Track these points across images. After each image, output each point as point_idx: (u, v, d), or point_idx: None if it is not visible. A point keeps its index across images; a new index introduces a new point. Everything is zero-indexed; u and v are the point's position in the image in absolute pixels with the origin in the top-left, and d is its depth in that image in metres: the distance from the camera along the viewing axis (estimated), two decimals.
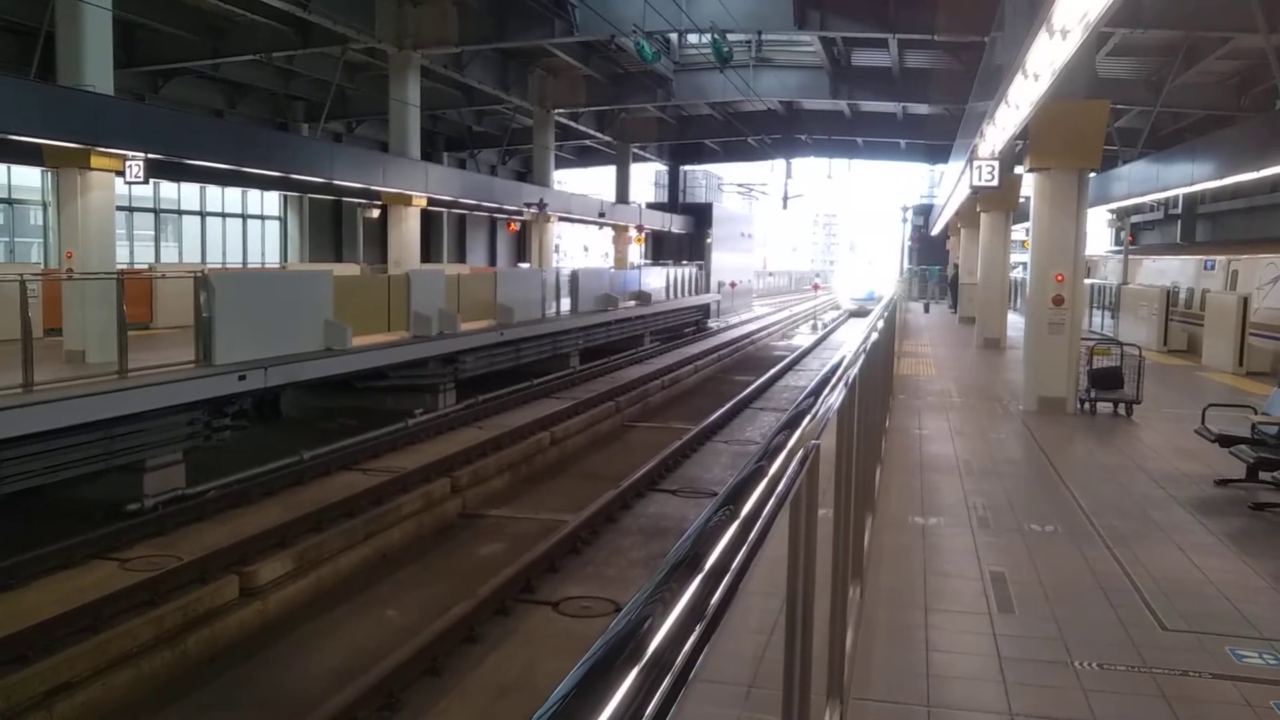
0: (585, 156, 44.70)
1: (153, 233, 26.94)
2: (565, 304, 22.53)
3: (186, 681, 6.53)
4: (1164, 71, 21.28)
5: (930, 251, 49.94)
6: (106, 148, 13.62)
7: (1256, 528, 6.94)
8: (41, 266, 20.39)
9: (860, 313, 38.57)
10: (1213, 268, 20.54)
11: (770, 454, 1.67)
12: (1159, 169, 20.73)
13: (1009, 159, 16.24)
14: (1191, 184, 19.05)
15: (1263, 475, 7.71)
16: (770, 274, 79.53)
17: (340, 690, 5.89)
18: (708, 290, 37.34)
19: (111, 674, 6.33)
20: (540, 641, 6.94)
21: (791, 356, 25.00)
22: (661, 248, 43.43)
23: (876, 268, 74.06)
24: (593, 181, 47.78)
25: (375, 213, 28.17)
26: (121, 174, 14.34)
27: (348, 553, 8.80)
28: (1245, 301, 16.21)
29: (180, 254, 27.70)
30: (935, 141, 34.41)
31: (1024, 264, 23.64)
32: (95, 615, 6.96)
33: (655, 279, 30.10)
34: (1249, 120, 19.22)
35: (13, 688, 5.90)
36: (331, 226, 32.95)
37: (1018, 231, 27.29)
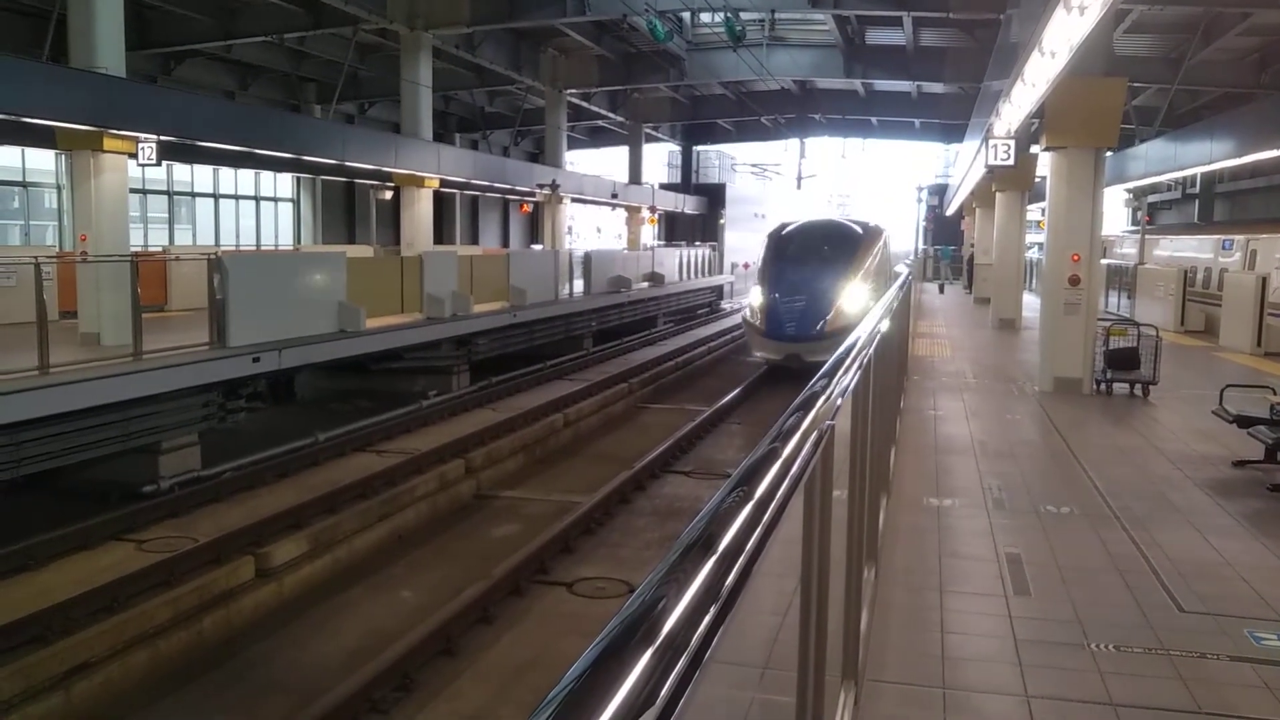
0: (598, 137, 44.54)
1: (166, 215, 27.01)
2: (579, 285, 22.51)
3: (203, 662, 6.59)
4: (1182, 48, 20.98)
5: (945, 231, 49.54)
6: (119, 130, 13.62)
7: (1275, 509, 6.88)
8: (56, 249, 20.48)
9: (798, 369, 14.94)
10: (1231, 247, 20.32)
11: (784, 435, 1.65)
12: (1176, 148, 20.49)
13: (1025, 138, 16.03)
14: (1209, 163, 18.80)
15: None
16: None
17: (356, 670, 5.93)
18: (721, 271, 37.24)
19: (129, 654, 6.39)
20: (554, 622, 6.96)
21: None
22: (674, 229, 43.30)
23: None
24: (605, 162, 47.64)
25: (388, 194, 28.15)
26: (134, 156, 14.35)
27: (363, 534, 8.85)
28: (1264, 281, 16.03)
29: (194, 236, 27.77)
30: (950, 121, 34.16)
31: (1040, 244, 23.45)
32: (113, 596, 7.04)
33: (668, 260, 30.02)
34: (1269, 98, 18.95)
35: (32, 668, 5.97)
36: (344, 208, 32.97)
37: (1033, 211, 27.08)
